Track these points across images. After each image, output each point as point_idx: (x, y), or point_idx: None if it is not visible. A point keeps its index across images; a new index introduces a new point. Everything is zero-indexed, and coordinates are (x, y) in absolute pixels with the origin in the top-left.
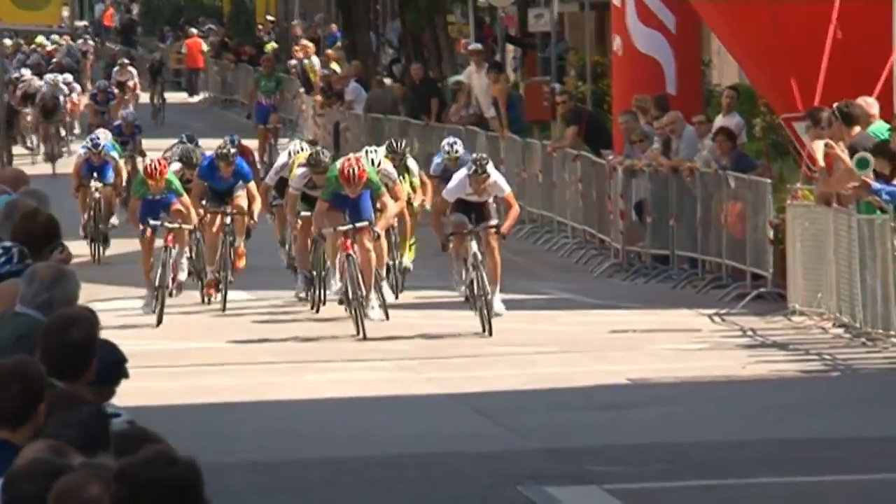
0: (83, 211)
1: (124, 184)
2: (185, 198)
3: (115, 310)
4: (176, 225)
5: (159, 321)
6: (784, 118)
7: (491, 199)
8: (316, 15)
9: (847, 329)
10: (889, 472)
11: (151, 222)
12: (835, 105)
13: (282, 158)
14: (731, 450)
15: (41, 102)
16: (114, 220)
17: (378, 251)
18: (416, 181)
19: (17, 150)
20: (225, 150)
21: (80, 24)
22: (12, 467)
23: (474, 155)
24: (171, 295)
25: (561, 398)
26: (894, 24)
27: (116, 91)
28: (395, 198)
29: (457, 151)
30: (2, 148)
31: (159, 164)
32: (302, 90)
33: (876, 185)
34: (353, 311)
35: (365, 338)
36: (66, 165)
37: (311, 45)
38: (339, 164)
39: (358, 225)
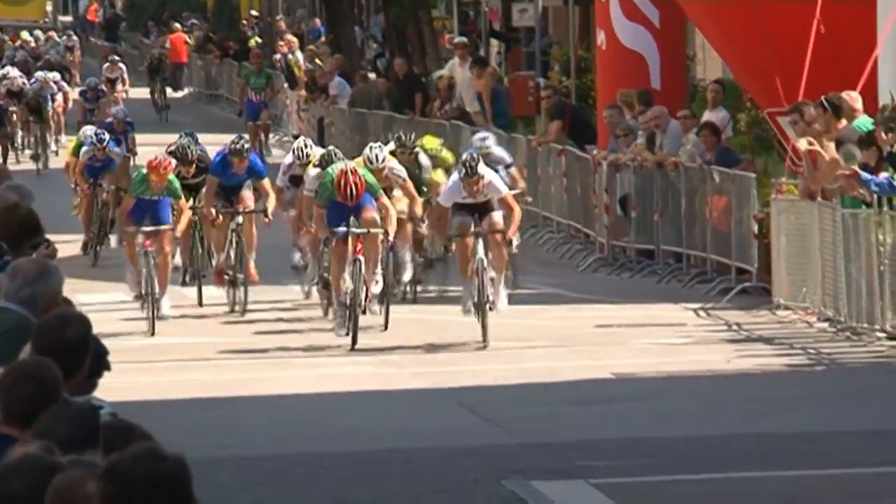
0: (86, 224)
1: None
2: (183, 202)
3: (100, 303)
4: (152, 228)
5: (153, 331)
6: (768, 113)
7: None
8: (299, 10)
9: (831, 323)
10: (873, 466)
11: (143, 229)
12: (823, 97)
13: (287, 159)
14: (716, 444)
15: (26, 100)
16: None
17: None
18: (428, 177)
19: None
20: (238, 146)
21: (64, 19)
22: (3, 464)
23: (464, 155)
24: (159, 308)
25: (546, 393)
26: (878, 18)
27: (106, 88)
28: (410, 196)
29: (487, 147)
30: None
31: (165, 158)
32: (286, 85)
33: (865, 174)
34: (349, 319)
35: (353, 347)
36: (55, 162)
37: (295, 40)
38: (335, 172)
39: (373, 231)
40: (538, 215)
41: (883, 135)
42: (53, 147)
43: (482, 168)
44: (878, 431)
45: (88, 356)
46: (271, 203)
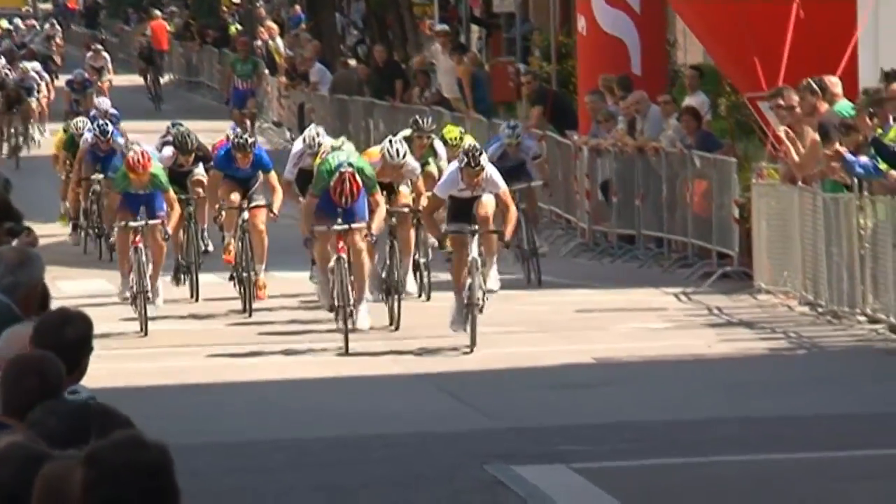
0: (74, 208)
1: None
2: (171, 194)
3: (83, 291)
4: (142, 223)
5: (145, 330)
6: (749, 97)
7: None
8: None
9: (813, 307)
10: (855, 449)
11: (132, 223)
12: (809, 79)
13: (296, 147)
14: (697, 428)
15: (6, 91)
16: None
17: (369, 254)
18: (444, 164)
19: None
20: (242, 140)
21: (44, 7)
22: None
23: (467, 145)
24: (153, 303)
25: (527, 378)
26: (857, 2)
27: (90, 77)
28: (419, 193)
29: (518, 136)
30: None
31: (142, 156)
32: (266, 72)
33: (849, 156)
34: (338, 323)
35: (347, 353)
36: (35, 151)
37: (275, 26)
38: (334, 172)
39: (354, 225)
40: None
41: (867, 120)
42: (37, 136)
43: (485, 160)
44: (859, 415)
45: (89, 355)
46: (278, 199)
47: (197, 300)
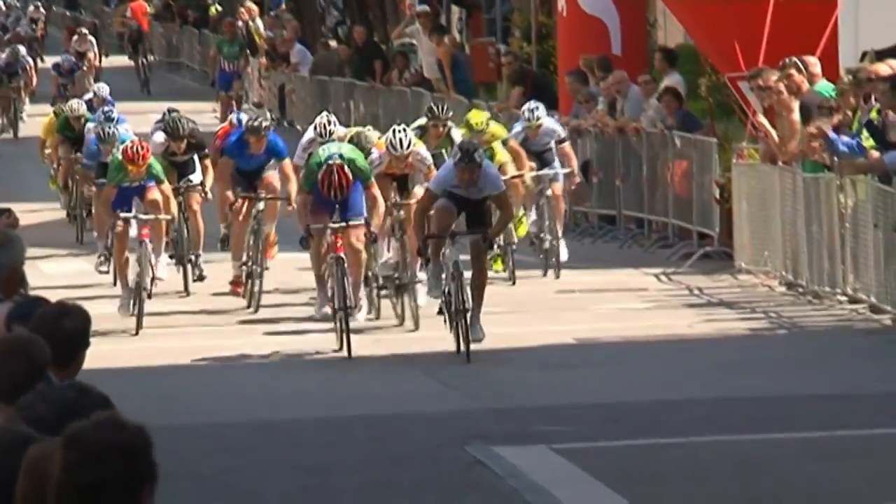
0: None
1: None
2: (166, 185)
3: (63, 271)
4: (152, 216)
5: (139, 327)
6: (729, 77)
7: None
8: None
9: (793, 287)
10: (835, 428)
11: (123, 214)
12: (795, 58)
13: (308, 135)
14: (677, 408)
15: None
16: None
17: (368, 252)
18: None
19: None
20: (256, 123)
21: None
22: None
23: (462, 139)
24: (149, 296)
25: (508, 358)
26: None
27: (76, 60)
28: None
29: (538, 118)
30: None
31: (141, 147)
32: (247, 52)
33: (833, 134)
34: (337, 324)
35: (350, 356)
36: (29, 129)
37: (255, 7)
38: (323, 163)
39: (352, 222)
40: None
41: (852, 99)
42: (24, 118)
43: (480, 156)
44: (839, 395)
45: (85, 349)
46: (293, 187)
47: (188, 294)
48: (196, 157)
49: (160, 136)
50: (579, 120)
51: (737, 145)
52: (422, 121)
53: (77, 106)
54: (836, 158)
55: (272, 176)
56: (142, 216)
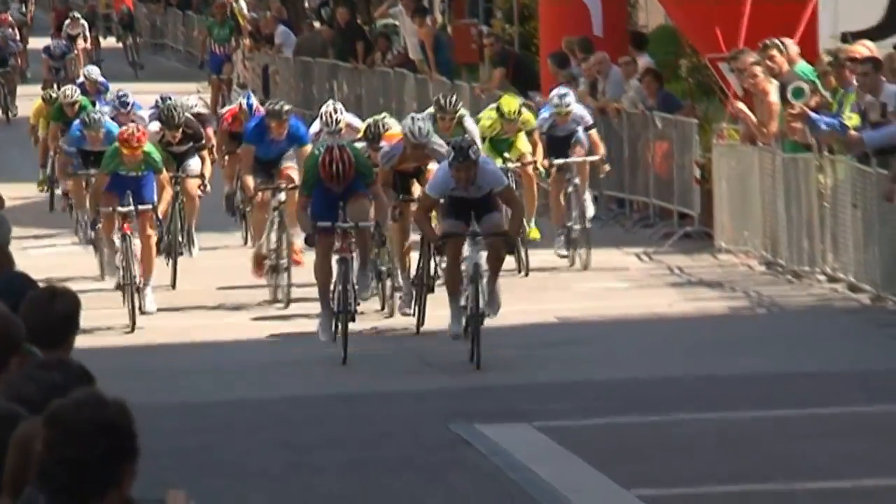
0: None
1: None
2: (165, 175)
3: (50, 247)
4: (149, 207)
5: (133, 325)
6: (709, 58)
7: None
8: None
9: (772, 266)
10: (814, 406)
11: (120, 209)
12: (777, 39)
13: (314, 127)
14: (658, 387)
15: None
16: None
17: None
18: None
19: None
20: (277, 107)
21: None
22: None
23: (456, 137)
24: (143, 301)
25: (490, 337)
26: None
27: (66, 44)
28: None
29: (567, 105)
30: None
31: (137, 129)
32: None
33: (814, 114)
34: (338, 328)
35: (345, 362)
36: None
37: None
38: (321, 149)
39: (361, 224)
40: None
41: (833, 80)
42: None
43: (475, 153)
44: (819, 373)
45: (76, 332)
46: None
47: (174, 288)
48: (195, 148)
49: (155, 125)
50: None
51: (717, 126)
52: (430, 110)
53: (70, 92)
54: (816, 139)
55: (290, 168)
56: (121, 208)
